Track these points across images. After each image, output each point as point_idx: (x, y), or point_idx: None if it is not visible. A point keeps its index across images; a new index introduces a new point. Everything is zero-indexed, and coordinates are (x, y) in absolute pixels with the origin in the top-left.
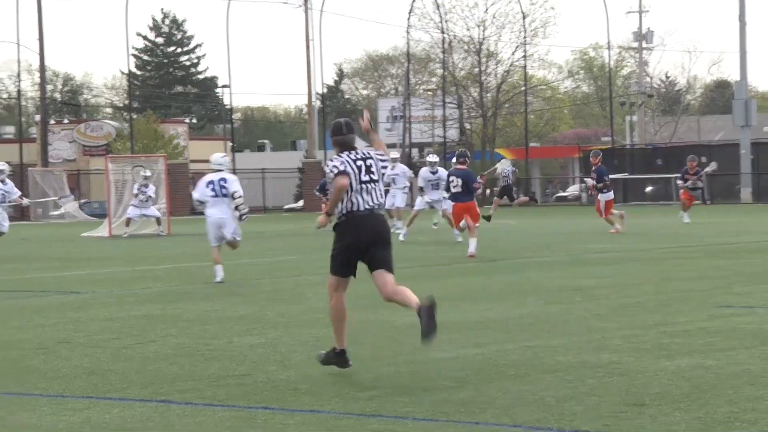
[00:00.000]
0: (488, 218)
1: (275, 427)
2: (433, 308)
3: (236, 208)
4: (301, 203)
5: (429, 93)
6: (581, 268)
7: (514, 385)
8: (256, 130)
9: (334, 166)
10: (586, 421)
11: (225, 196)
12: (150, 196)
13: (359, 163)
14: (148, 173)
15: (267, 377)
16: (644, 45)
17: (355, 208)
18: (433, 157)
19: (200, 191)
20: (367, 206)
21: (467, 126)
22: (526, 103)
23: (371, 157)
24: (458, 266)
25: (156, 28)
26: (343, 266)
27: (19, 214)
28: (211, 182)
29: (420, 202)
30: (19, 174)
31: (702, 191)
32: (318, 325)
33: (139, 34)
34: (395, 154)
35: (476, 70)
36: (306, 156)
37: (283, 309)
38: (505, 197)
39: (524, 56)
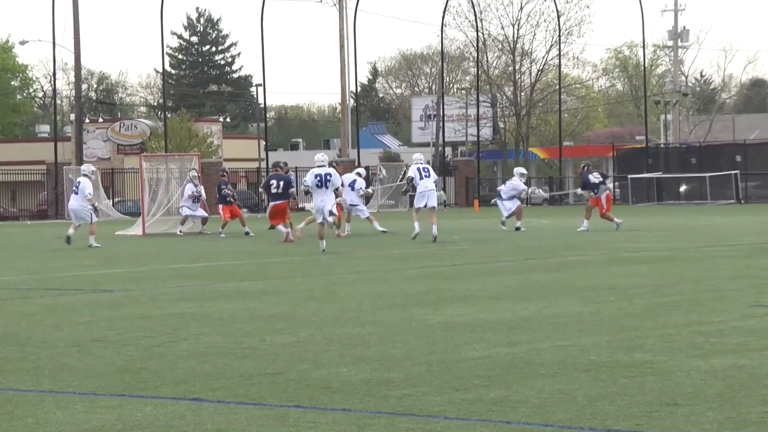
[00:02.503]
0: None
1: (307, 425)
2: None
3: (337, 195)
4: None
5: (463, 92)
6: (615, 267)
7: (547, 384)
8: (290, 129)
9: None
10: (618, 420)
11: (327, 187)
12: (199, 196)
13: None
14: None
15: (299, 376)
16: (679, 43)
17: None
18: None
19: (309, 181)
20: None
21: (501, 125)
22: (560, 101)
23: None
24: (493, 265)
25: (191, 26)
26: None
27: (53, 213)
28: (318, 175)
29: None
30: (54, 173)
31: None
32: (351, 324)
33: (173, 33)
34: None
35: (510, 68)
36: (339, 155)
37: (315, 308)
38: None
39: (559, 55)
